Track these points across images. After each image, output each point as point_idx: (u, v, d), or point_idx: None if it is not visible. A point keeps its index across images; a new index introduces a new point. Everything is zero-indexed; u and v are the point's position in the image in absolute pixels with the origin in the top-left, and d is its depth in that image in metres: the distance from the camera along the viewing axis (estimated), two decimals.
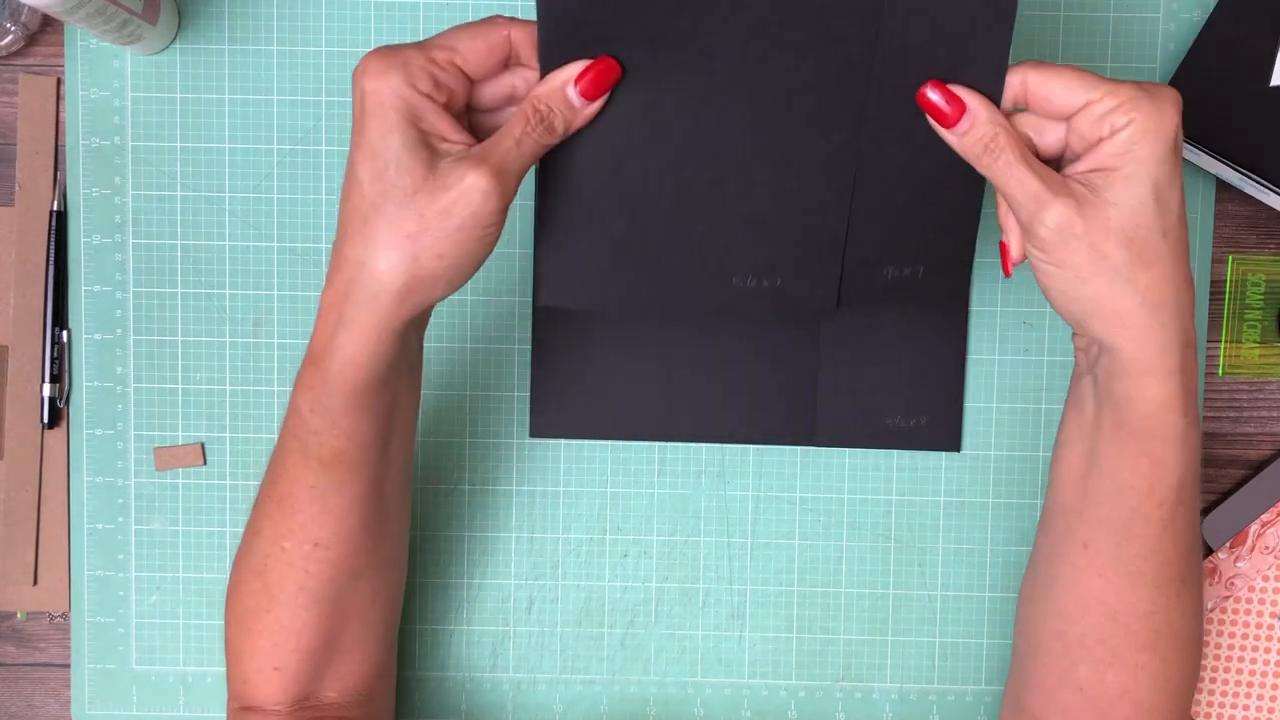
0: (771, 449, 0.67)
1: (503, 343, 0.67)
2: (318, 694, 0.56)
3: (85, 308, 0.67)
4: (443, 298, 0.49)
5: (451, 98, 0.48)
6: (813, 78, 0.49)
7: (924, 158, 0.51)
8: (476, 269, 0.49)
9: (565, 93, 0.48)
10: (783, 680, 0.68)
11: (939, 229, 0.54)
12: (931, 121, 0.49)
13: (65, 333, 0.67)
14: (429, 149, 0.47)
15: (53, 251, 0.66)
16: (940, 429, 0.66)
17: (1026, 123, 0.49)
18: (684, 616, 0.67)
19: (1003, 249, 0.51)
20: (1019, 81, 0.48)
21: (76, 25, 0.60)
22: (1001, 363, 0.66)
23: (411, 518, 0.67)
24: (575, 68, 0.48)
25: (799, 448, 0.67)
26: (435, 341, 0.67)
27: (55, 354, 0.66)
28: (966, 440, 0.67)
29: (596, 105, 0.49)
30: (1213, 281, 0.66)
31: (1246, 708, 0.67)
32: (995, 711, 0.67)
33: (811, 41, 0.48)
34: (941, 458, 0.67)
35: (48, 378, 0.66)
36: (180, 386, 0.67)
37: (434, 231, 0.46)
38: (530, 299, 0.66)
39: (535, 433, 0.67)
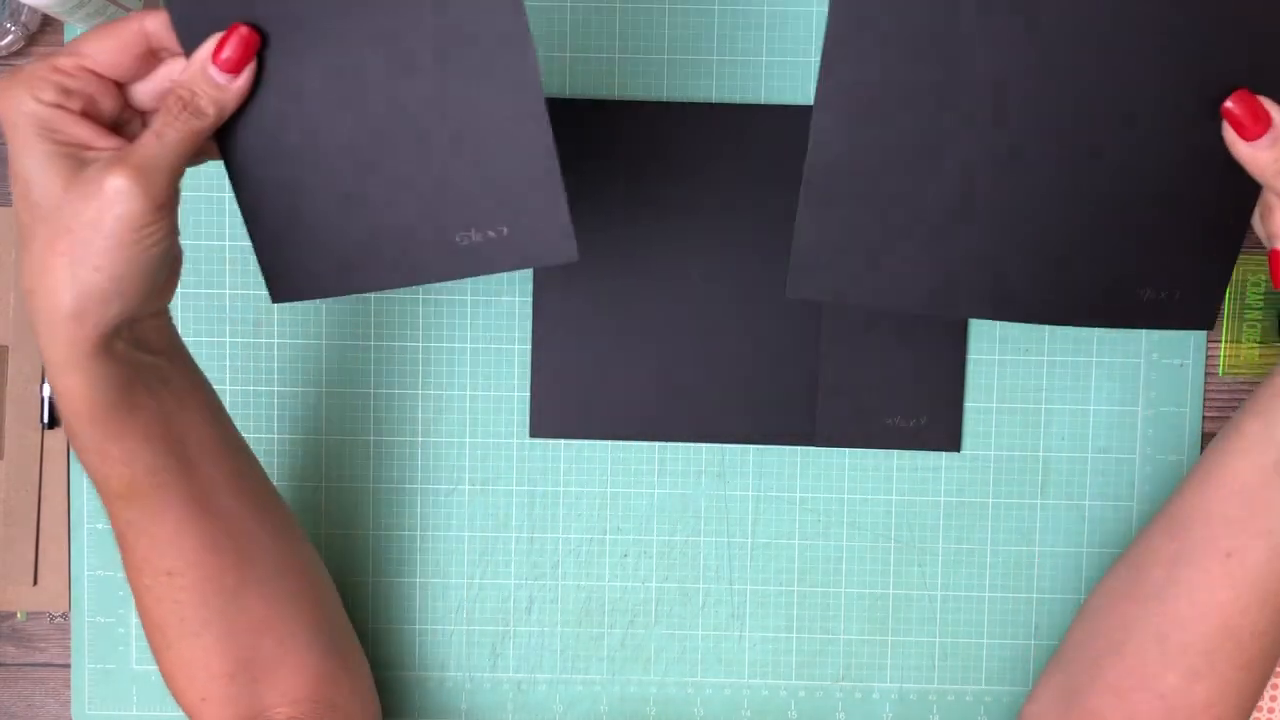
0: (771, 449, 0.67)
1: (503, 343, 0.67)
2: (264, 713, 0.55)
3: None
4: (129, 312, 0.46)
5: (91, 104, 0.46)
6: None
7: (1194, 163, 0.49)
8: (154, 277, 0.46)
9: (207, 72, 0.46)
10: (783, 680, 0.68)
11: (1196, 249, 0.51)
12: (1228, 133, 0.48)
13: None
14: (71, 161, 0.44)
15: None
16: (940, 429, 0.66)
17: None
18: (684, 616, 0.67)
19: (1273, 258, 0.50)
20: None
21: (76, 25, 0.59)
22: (1001, 363, 0.66)
23: (418, 518, 0.67)
24: (211, 43, 0.46)
25: (799, 448, 0.67)
26: (435, 341, 0.67)
27: None
28: (966, 440, 0.67)
29: (244, 79, 0.47)
30: None
31: None
32: (996, 712, 0.67)
33: None
34: (941, 458, 0.67)
35: (47, 378, 0.66)
36: None
37: (87, 245, 0.44)
38: (530, 299, 0.66)
39: (535, 433, 0.67)
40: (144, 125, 0.48)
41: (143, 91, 0.48)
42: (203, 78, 0.46)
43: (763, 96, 0.66)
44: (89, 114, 0.46)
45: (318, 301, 0.66)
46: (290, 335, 0.67)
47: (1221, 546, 0.52)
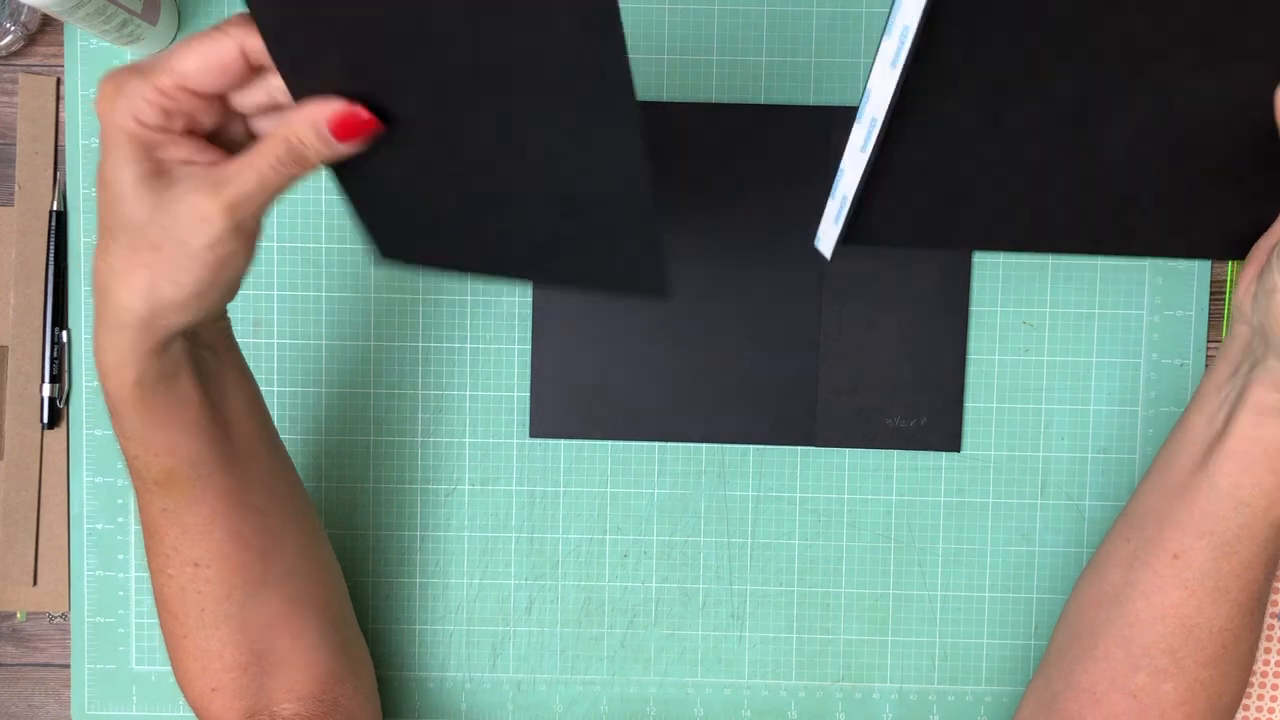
0: (771, 449, 0.67)
1: (503, 343, 0.67)
2: (270, 707, 0.56)
3: (85, 308, 0.67)
4: (200, 321, 0.47)
5: (192, 120, 0.45)
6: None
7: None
8: (229, 294, 0.47)
9: (319, 129, 0.44)
10: (783, 680, 0.68)
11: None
12: None
13: (65, 333, 0.67)
14: (164, 179, 0.44)
15: (52, 251, 0.66)
16: (940, 429, 0.66)
17: None
18: (684, 617, 0.67)
19: None
20: None
21: (76, 25, 0.60)
22: (1002, 363, 0.66)
23: (418, 518, 0.67)
24: (326, 108, 0.44)
25: (799, 448, 0.67)
26: (435, 341, 0.67)
27: (55, 354, 0.66)
28: (966, 440, 0.67)
29: (353, 147, 0.45)
30: (1213, 281, 0.66)
31: (1246, 708, 0.67)
32: (996, 712, 0.67)
33: None
34: (941, 458, 0.67)
35: (48, 378, 0.66)
36: None
37: (170, 260, 0.44)
38: (530, 299, 0.66)
39: (535, 433, 0.67)
40: (245, 128, 0.47)
41: (246, 101, 0.46)
42: (313, 133, 0.44)
43: (762, 96, 0.66)
44: (189, 130, 0.45)
45: (318, 301, 0.67)
46: (290, 335, 0.67)
47: (1169, 548, 0.52)
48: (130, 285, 0.45)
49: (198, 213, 0.44)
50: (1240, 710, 0.67)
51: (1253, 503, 0.49)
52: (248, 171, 0.44)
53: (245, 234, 0.45)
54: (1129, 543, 0.54)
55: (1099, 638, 0.55)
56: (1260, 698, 0.67)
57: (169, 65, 0.43)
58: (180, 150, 0.44)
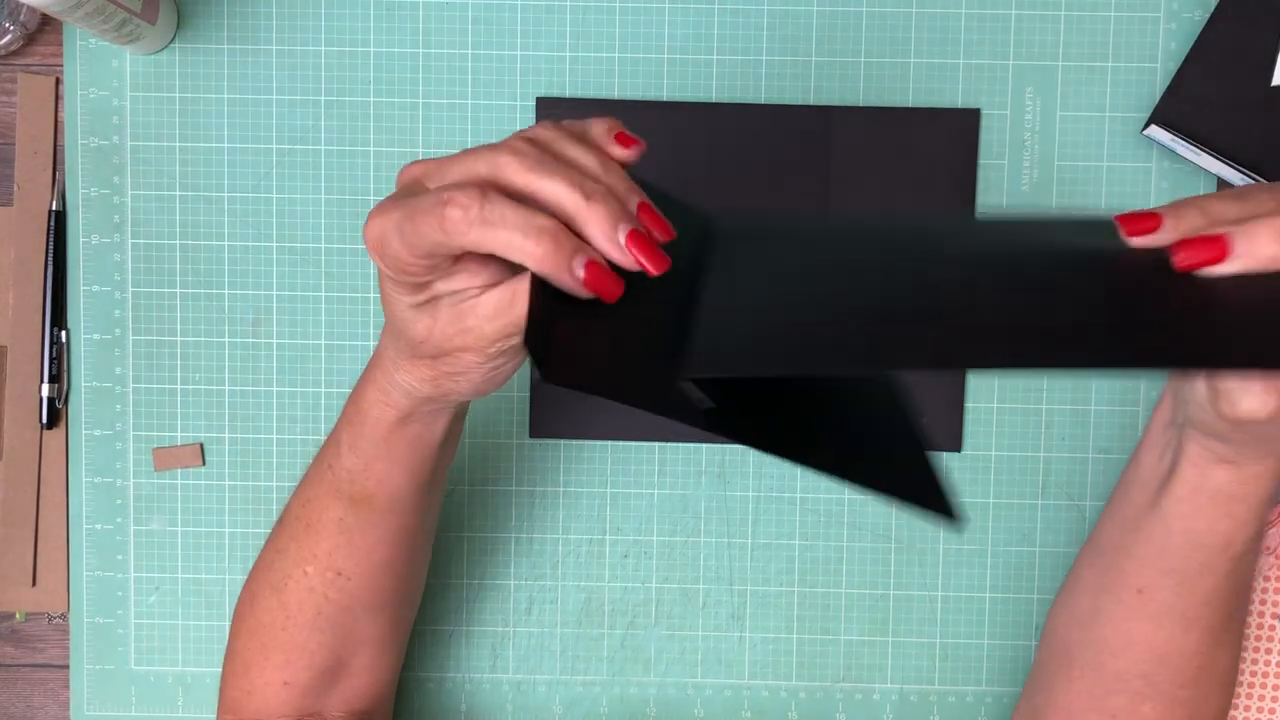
0: None
1: None
2: (322, 711, 0.57)
3: (84, 308, 0.66)
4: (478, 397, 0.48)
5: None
6: None
7: None
8: (508, 379, 0.47)
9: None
10: (783, 681, 0.67)
11: None
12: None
13: (64, 333, 0.66)
14: (437, 302, 0.43)
15: (51, 251, 0.66)
16: (941, 429, 0.66)
17: None
18: (684, 617, 0.67)
19: None
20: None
21: (75, 25, 0.59)
22: None
23: None
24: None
25: None
26: None
27: (54, 354, 0.66)
28: (967, 440, 0.67)
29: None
30: None
31: (1248, 708, 0.67)
32: (996, 713, 0.67)
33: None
34: (942, 458, 0.67)
35: (46, 378, 0.66)
36: (179, 387, 0.67)
37: (449, 368, 0.45)
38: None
39: (535, 433, 0.67)
40: None
41: None
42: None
43: (763, 96, 0.65)
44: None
45: (317, 301, 0.66)
46: (290, 335, 0.67)
47: (1132, 583, 0.51)
48: (413, 377, 0.46)
49: (468, 341, 0.43)
50: (1241, 710, 0.67)
51: (1210, 544, 0.48)
52: (519, 305, 0.42)
53: (517, 349, 0.44)
54: (1095, 570, 0.54)
55: (1074, 659, 0.54)
56: (1261, 698, 0.67)
57: (411, 244, 0.40)
58: (453, 282, 0.42)
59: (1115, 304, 0.39)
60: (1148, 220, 0.41)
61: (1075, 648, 0.54)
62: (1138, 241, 0.41)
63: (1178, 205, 0.41)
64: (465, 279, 0.42)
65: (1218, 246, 0.39)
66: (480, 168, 0.40)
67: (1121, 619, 0.52)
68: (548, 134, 0.42)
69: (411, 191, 0.41)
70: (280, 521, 0.56)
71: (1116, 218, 0.41)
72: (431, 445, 0.51)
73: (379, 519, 0.52)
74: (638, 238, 0.40)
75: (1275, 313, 0.38)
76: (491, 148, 0.41)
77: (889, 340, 0.38)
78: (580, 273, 0.39)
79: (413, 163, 0.43)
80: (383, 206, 0.41)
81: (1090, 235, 0.42)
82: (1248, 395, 0.41)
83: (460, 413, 0.52)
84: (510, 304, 0.42)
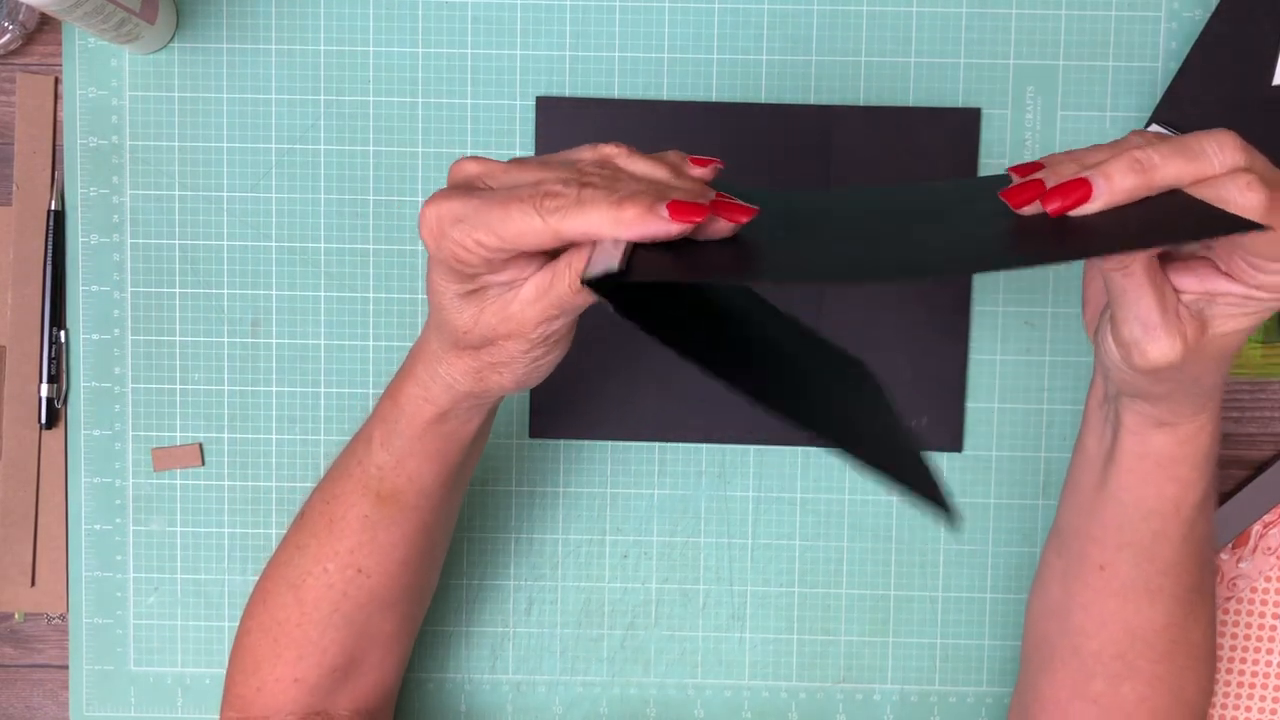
0: (771, 449, 0.67)
1: None
2: (330, 709, 0.57)
3: (83, 308, 0.66)
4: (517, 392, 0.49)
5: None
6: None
7: None
8: (549, 372, 0.48)
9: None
10: (783, 682, 0.67)
11: None
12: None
13: (63, 333, 0.66)
14: (484, 293, 0.44)
15: (50, 251, 0.66)
16: (941, 429, 0.66)
17: None
18: (684, 618, 0.67)
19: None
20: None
21: (74, 24, 0.59)
22: (1003, 363, 0.66)
23: None
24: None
25: (799, 448, 0.67)
26: None
27: (53, 354, 0.66)
28: (968, 440, 0.66)
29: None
30: None
31: (1249, 709, 0.67)
32: (997, 713, 0.67)
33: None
34: (942, 458, 0.66)
35: (45, 378, 0.66)
36: (178, 387, 0.67)
37: (491, 359, 0.46)
38: None
39: (535, 433, 0.67)
40: None
41: None
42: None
43: (763, 96, 0.65)
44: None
45: (317, 301, 0.66)
46: (290, 335, 0.66)
47: (1093, 562, 0.52)
48: (456, 370, 0.47)
49: (511, 328, 0.44)
50: (1241, 710, 0.67)
51: (1160, 510, 0.50)
52: (559, 284, 0.43)
53: (558, 340, 0.46)
54: (1060, 558, 0.55)
55: (1053, 649, 0.55)
56: (1261, 699, 0.67)
57: (498, 231, 0.41)
58: (503, 274, 0.43)
59: (1006, 238, 0.43)
60: (1030, 189, 0.42)
61: (1053, 637, 0.55)
62: (1025, 212, 0.42)
63: (1054, 159, 0.43)
64: (514, 271, 0.43)
65: (1082, 187, 0.41)
66: (561, 173, 0.42)
67: (1090, 600, 0.53)
68: (612, 150, 0.44)
69: (472, 186, 0.43)
70: (300, 518, 0.56)
71: (1002, 194, 0.43)
72: (463, 443, 0.51)
73: (404, 516, 0.53)
74: (722, 198, 0.42)
75: (1142, 214, 0.41)
76: (562, 158, 0.44)
77: (864, 262, 0.43)
78: (665, 213, 0.40)
79: (466, 159, 0.44)
80: (445, 195, 0.42)
81: (992, 190, 0.45)
82: (1154, 343, 0.43)
83: (492, 412, 0.52)
84: (550, 286, 0.43)
